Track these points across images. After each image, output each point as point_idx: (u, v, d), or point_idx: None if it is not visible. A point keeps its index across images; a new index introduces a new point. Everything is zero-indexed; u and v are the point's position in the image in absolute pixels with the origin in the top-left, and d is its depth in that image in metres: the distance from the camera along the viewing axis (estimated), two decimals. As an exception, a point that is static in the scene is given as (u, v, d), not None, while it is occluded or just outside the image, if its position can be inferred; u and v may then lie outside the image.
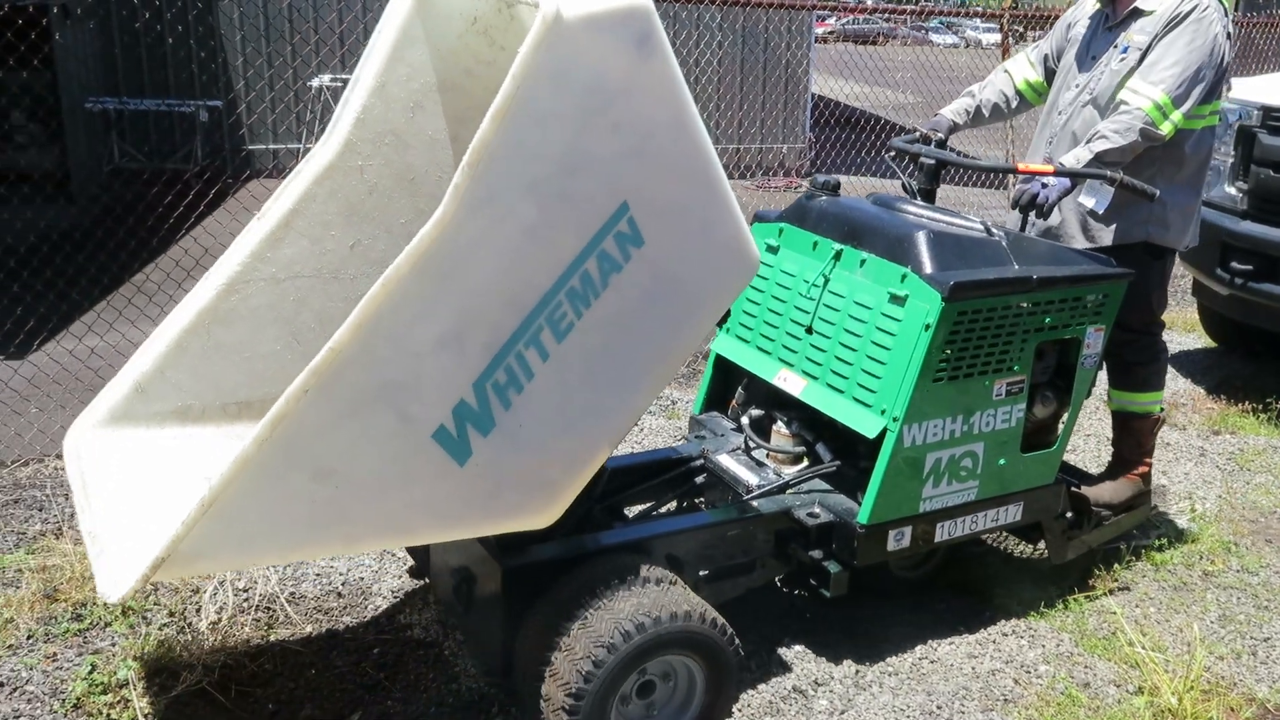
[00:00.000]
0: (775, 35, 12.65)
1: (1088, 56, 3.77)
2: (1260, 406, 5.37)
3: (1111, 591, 3.69)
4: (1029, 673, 3.24)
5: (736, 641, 2.77)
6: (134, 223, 6.44)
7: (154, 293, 5.81)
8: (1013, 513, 3.36)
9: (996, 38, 3.87)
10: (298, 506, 2.18)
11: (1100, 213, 3.63)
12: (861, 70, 9.74)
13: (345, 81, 10.34)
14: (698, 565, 3.04)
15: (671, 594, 2.68)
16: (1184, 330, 6.84)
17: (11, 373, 5.09)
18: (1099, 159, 3.45)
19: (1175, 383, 5.90)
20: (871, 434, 3.05)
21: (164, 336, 2.74)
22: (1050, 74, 3.98)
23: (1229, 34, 3.58)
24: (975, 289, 2.99)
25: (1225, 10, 3.57)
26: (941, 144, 3.78)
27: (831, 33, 34.64)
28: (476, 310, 2.28)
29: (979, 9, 10.48)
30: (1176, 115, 3.46)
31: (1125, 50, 3.61)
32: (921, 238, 3.04)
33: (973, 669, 3.24)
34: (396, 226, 2.95)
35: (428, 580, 3.42)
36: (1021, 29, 9.80)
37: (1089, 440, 5.00)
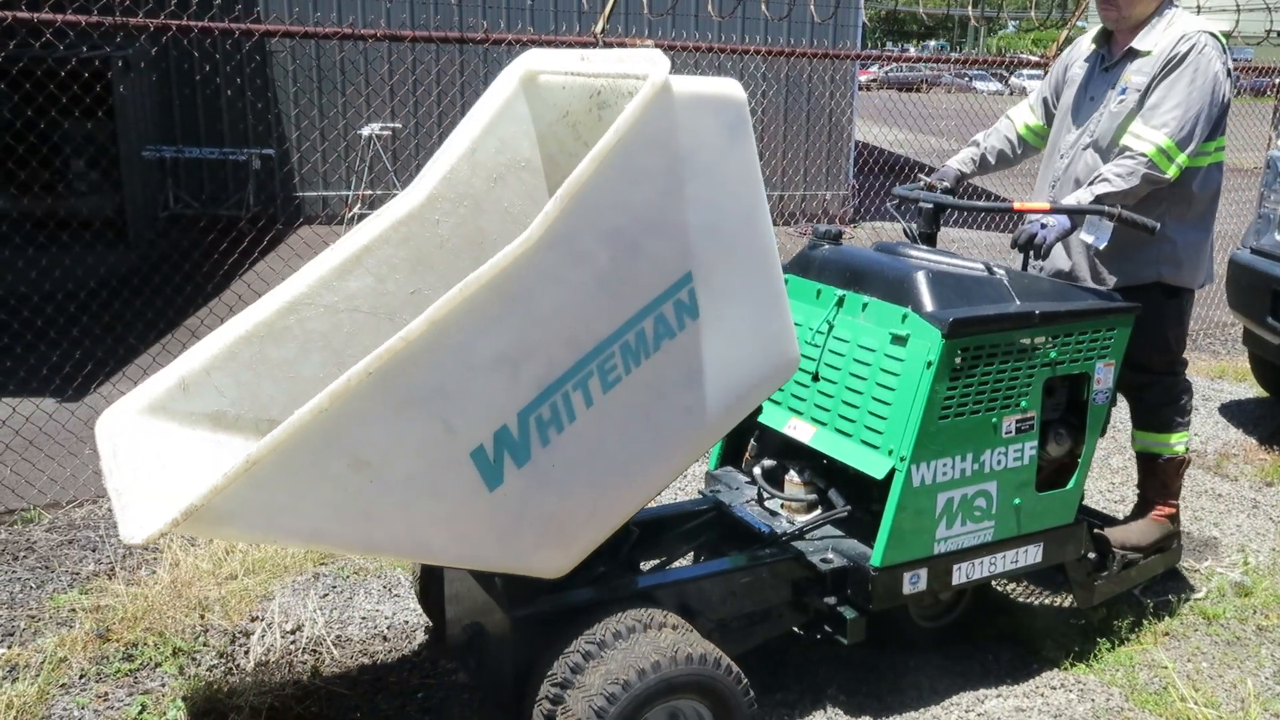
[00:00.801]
0: (819, 84, 12.74)
1: (1086, 98, 3.76)
2: (1313, 457, 5.28)
3: (1162, 645, 3.63)
4: (1078, 727, 3.19)
5: (752, 694, 2.73)
6: (189, 268, 6.59)
7: (187, 339, 5.92)
8: (1033, 554, 3.32)
9: (1039, 84, 3.88)
10: (329, 491, 2.20)
11: (1100, 248, 3.61)
12: (904, 117, 9.78)
13: (394, 130, 10.51)
14: (711, 614, 3.01)
15: (681, 638, 2.66)
16: (1235, 380, 6.75)
17: (69, 415, 5.20)
18: (1099, 202, 3.43)
19: (1226, 433, 5.82)
20: (880, 475, 3.04)
21: (218, 340, 2.80)
22: (1051, 116, 3.97)
23: (1229, 70, 3.56)
24: (976, 325, 3.00)
25: (1223, 47, 3.56)
26: (948, 192, 3.80)
27: (874, 80, 34.83)
28: (536, 340, 2.35)
29: (1020, 56, 10.47)
30: (1181, 158, 3.45)
31: (1124, 91, 3.60)
32: (921, 278, 3.06)
33: (1020, 722, 3.20)
34: (457, 282, 3.03)
35: (442, 636, 3.43)
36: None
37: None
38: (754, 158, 2.59)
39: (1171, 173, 3.46)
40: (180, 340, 6.17)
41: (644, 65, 2.49)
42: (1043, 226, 3.42)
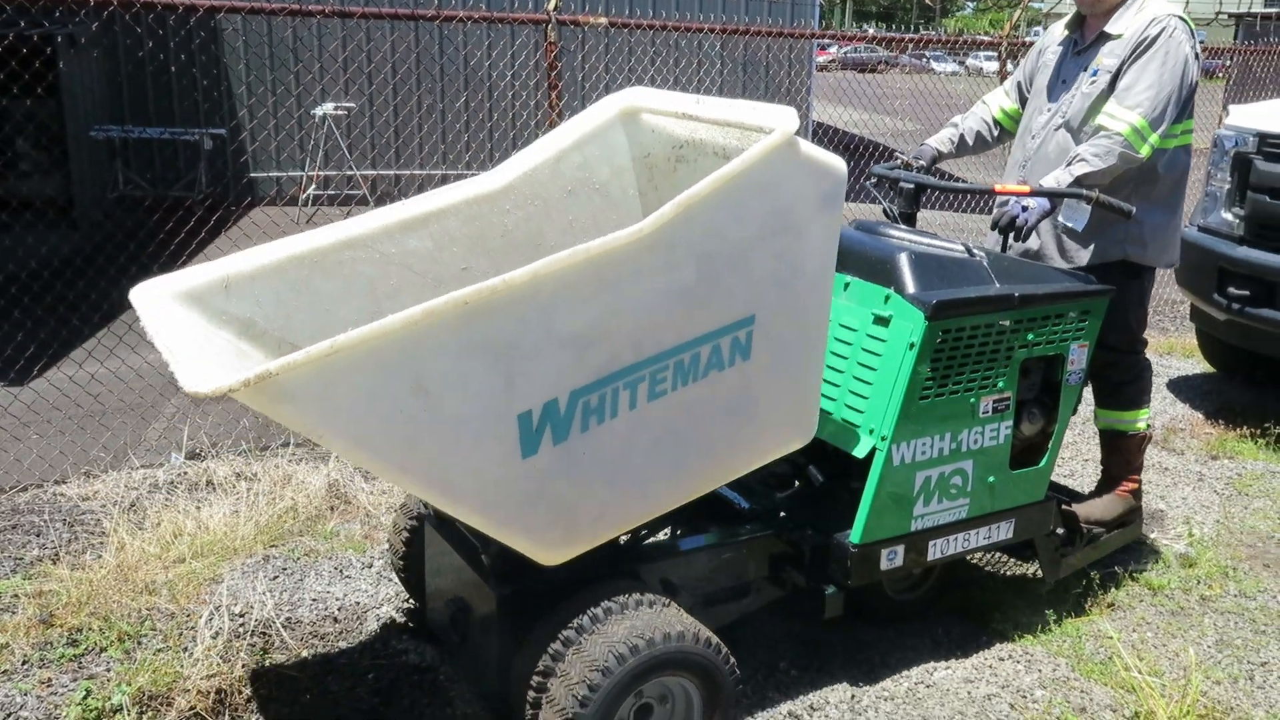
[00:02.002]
0: (776, 64, 12.73)
1: (1058, 81, 3.82)
2: (1258, 431, 5.37)
3: (1108, 616, 3.68)
4: (1025, 697, 3.23)
5: (733, 663, 2.77)
6: (135, 249, 6.48)
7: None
8: (1004, 530, 3.38)
9: (1014, 70, 3.89)
10: (386, 406, 2.23)
11: (1079, 231, 3.66)
12: (862, 98, 9.81)
13: (348, 110, 10.37)
14: (693, 589, 3.04)
15: (666, 615, 2.68)
16: (1183, 356, 6.85)
17: (12, 399, 5.11)
18: (1078, 182, 3.50)
19: (1174, 408, 5.91)
20: (861, 454, 3.08)
21: (270, 253, 2.81)
22: (1025, 101, 4.03)
23: (1197, 53, 3.63)
24: (958, 307, 3.04)
25: (1191, 30, 3.63)
26: (924, 171, 3.83)
27: (833, 61, 34.88)
28: (609, 329, 2.44)
29: (977, 36, 10.51)
30: (1154, 137, 3.51)
31: (1095, 74, 3.66)
32: (904, 259, 3.07)
33: (969, 694, 3.24)
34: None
35: (422, 611, 3.43)
36: (1020, 57, 9.84)
37: (1087, 465, 5.00)
38: (837, 232, 2.73)
39: (1145, 152, 3.52)
40: (126, 322, 6.07)
41: (774, 118, 2.59)
42: (1024, 209, 3.46)
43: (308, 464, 4.59)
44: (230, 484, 4.39)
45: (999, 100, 4.11)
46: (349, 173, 10.87)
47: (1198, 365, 6.62)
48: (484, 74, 11.24)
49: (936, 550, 3.24)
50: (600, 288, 2.38)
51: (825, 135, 13.33)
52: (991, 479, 3.29)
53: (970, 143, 4.07)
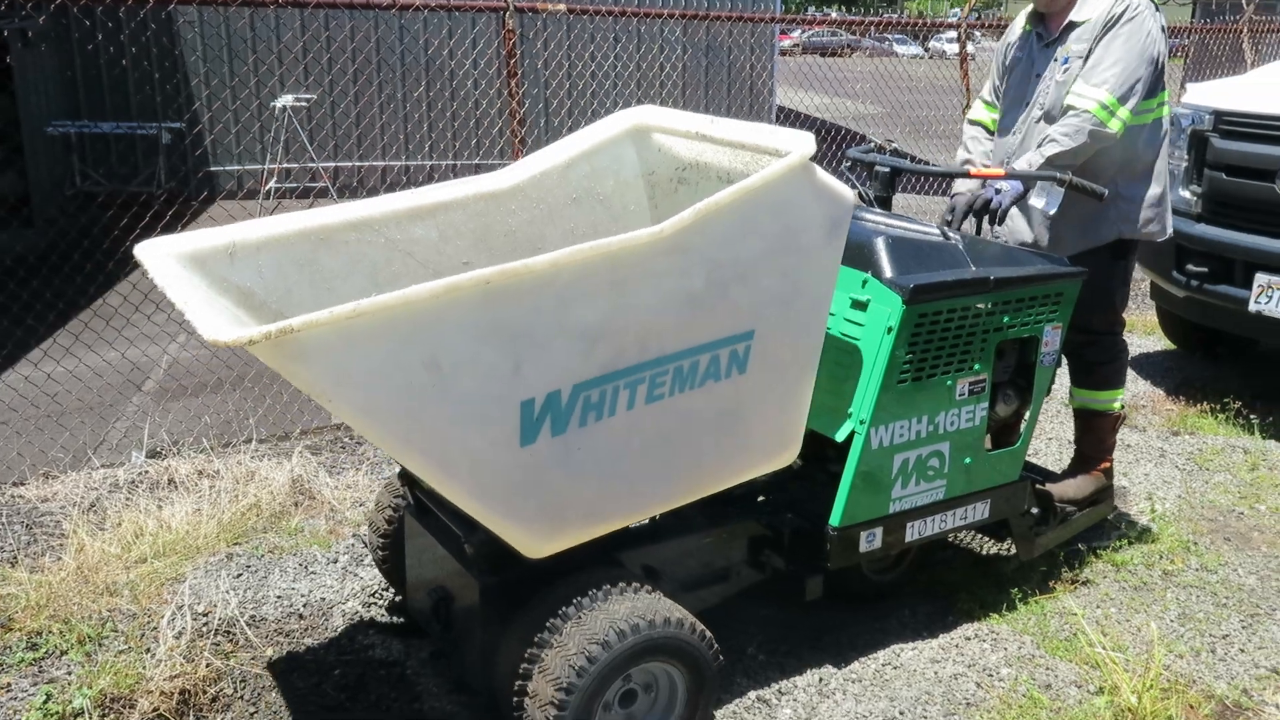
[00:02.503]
0: (739, 49, 12.72)
1: (1032, 75, 3.85)
2: (1218, 407, 5.43)
3: (1073, 592, 3.71)
4: (991, 676, 3.25)
5: (717, 650, 2.78)
6: (89, 246, 6.39)
7: (111, 316, 5.76)
8: (980, 510, 3.41)
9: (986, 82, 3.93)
10: (398, 377, 2.25)
11: (1050, 214, 3.68)
12: (825, 82, 9.81)
13: (308, 102, 10.24)
14: (673, 575, 3.05)
15: (655, 602, 2.70)
16: (1144, 333, 6.91)
17: (-32, 400, 5.03)
18: (1050, 163, 3.52)
19: (1135, 385, 5.96)
20: (840, 437, 3.10)
21: (279, 225, 2.81)
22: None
23: (1163, 28, 3.67)
24: (935, 291, 3.05)
25: (1156, 7, 3.66)
26: (897, 153, 3.84)
27: (796, 45, 34.91)
28: (618, 327, 2.48)
29: (939, 19, 10.58)
30: (1123, 112, 3.53)
31: (1066, 61, 3.69)
32: (881, 243, 3.08)
33: (935, 674, 3.25)
34: None
35: (403, 599, 3.42)
36: (980, 36, 9.89)
37: (1050, 443, 5.04)
38: (839, 259, 2.79)
39: (1116, 128, 3.54)
40: (83, 320, 6.00)
41: (790, 142, 2.66)
42: (997, 191, 3.48)
43: (271, 460, 4.55)
44: (192, 482, 4.35)
45: (982, 114, 4.13)
46: (310, 165, 10.77)
47: (1158, 342, 6.68)
48: (443, 62, 11.15)
49: (914, 531, 3.27)
50: (614, 284, 2.43)
51: (789, 120, 13.33)
52: (968, 460, 3.31)
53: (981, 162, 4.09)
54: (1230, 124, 5.28)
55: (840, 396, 3.08)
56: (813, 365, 2.87)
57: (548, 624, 2.61)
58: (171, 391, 5.57)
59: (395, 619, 3.47)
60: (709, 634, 2.75)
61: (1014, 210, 3.81)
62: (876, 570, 3.64)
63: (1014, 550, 3.78)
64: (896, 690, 3.16)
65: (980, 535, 3.96)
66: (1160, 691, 3.11)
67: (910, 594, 3.68)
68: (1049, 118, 3.73)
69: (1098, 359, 3.92)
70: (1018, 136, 3.85)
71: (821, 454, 3.23)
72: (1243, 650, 3.42)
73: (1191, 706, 3.10)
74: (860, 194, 3.68)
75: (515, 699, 2.61)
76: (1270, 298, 4.98)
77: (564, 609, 2.63)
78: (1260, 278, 5.02)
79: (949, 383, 3.20)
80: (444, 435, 2.36)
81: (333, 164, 11.21)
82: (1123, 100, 3.52)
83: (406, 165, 11.33)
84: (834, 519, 3.09)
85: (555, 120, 11.50)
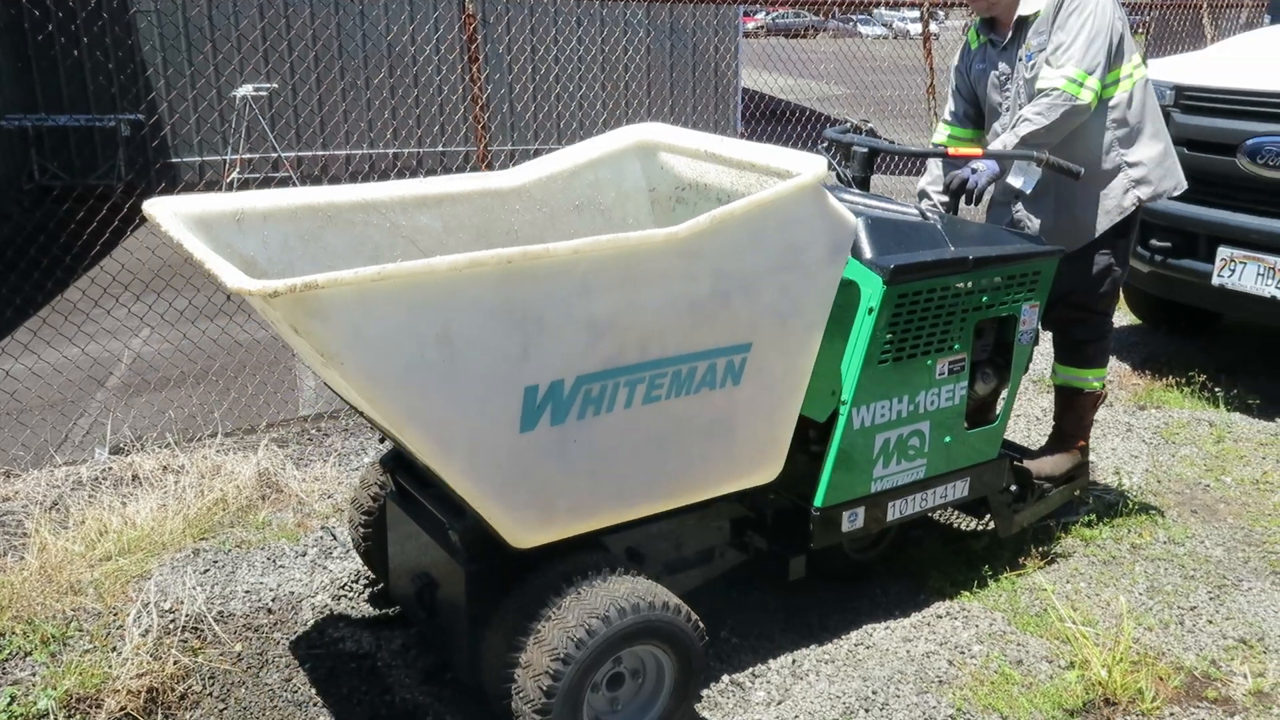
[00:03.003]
0: (703, 31, 12.67)
1: (998, 80, 3.87)
2: (1184, 380, 5.47)
3: (1043, 568, 3.73)
4: (963, 653, 3.26)
5: (704, 633, 2.79)
6: (45, 240, 6.30)
7: (70, 311, 5.68)
8: (960, 489, 3.44)
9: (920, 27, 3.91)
10: (410, 348, 2.26)
11: (1027, 193, 3.69)
12: (790, 63, 9.79)
13: (269, 91, 10.09)
14: (657, 557, 3.06)
15: (643, 585, 2.71)
16: (1110, 308, 6.94)
17: (-75, 399, 4.95)
18: (1024, 142, 3.55)
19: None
20: (822, 418, 3.12)
21: (288, 198, 2.83)
22: (968, 115, 4.08)
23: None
24: (915, 271, 3.07)
25: None
26: (872, 133, 3.87)
27: (761, 27, 34.87)
28: (623, 324, 2.51)
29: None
30: (1092, 82, 3.56)
31: (1030, 57, 3.73)
32: (860, 224, 3.07)
33: (908, 652, 3.26)
34: None
35: (384, 585, 3.41)
36: (944, 15, 9.89)
37: (1018, 420, 5.06)
38: (837, 283, 2.84)
39: (1088, 99, 3.56)
40: (42, 318, 5.92)
41: (801, 163, 2.74)
42: (973, 171, 3.50)
43: (237, 454, 4.49)
44: (157, 477, 4.29)
45: (943, 134, 4.14)
46: (273, 155, 10.65)
47: (1124, 317, 6.72)
48: (403, 48, 11.05)
49: (896, 510, 3.29)
50: (627, 280, 2.46)
51: (754, 102, 13.33)
52: (948, 439, 3.33)
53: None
54: (1191, 99, 5.31)
55: (821, 377, 3.07)
56: (802, 385, 2.91)
57: (545, 599, 2.62)
58: (135, 387, 5.50)
59: (370, 610, 3.45)
60: (695, 616, 2.76)
61: (1029, 218, 3.87)
62: (857, 549, 3.65)
63: (984, 528, 3.80)
64: (869, 670, 3.17)
65: (952, 513, 3.97)
66: (1130, 664, 3.13)
67: (882, 573, 3.69)
68: None
69: (1086, 337, 3.95)
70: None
71: (803, 435, 3.22)
72: (1210, 622, 3.45)
73: (1161, 678, 3.12)
74: (838, 175, 3.68)
75: (506, 674, 2.61)
76: (1233, 271, 5.02)
77: (562, 585, 2.64)
78: (1223, 251, 5.06)
79: (929, 362, 3.21)
80: (447, 412, 2.37)
81: (295, 154, 11.09)
82: (1089, 71, 3.55)
83: (369, 154, 11.23)
84: (817, 499, 3.10)
85: (519, 106, 11.43)
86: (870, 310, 3.03)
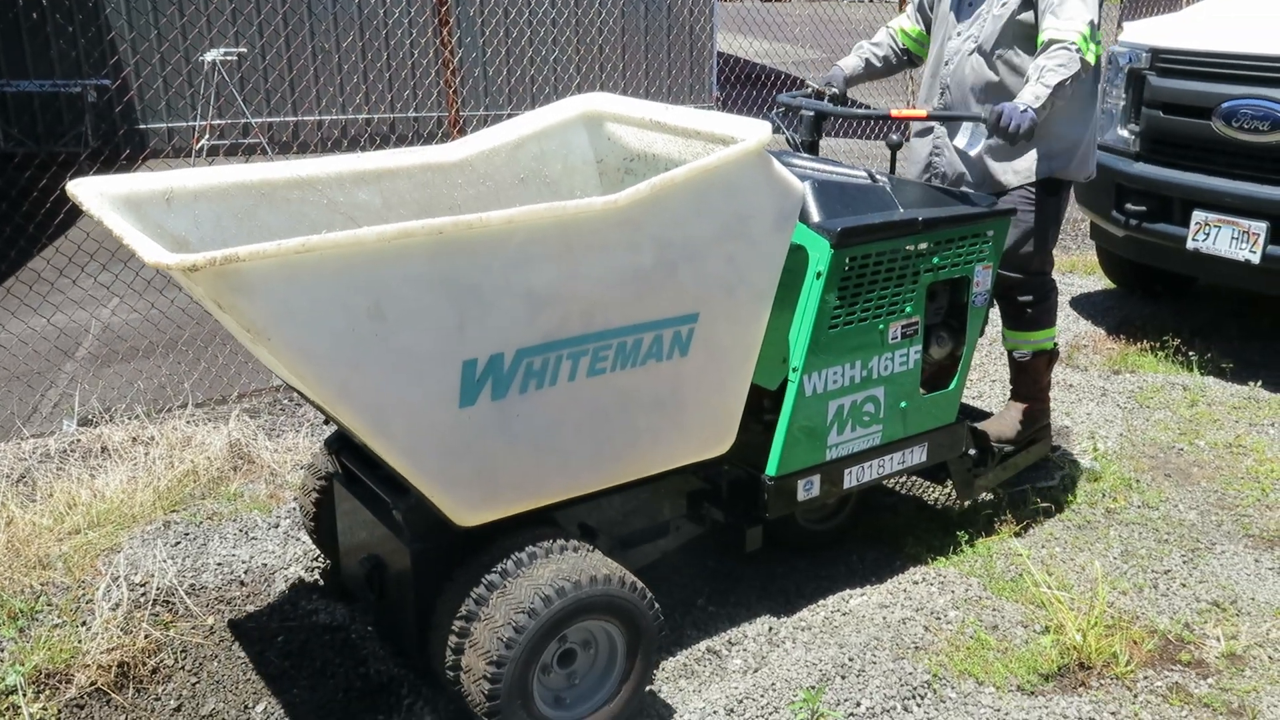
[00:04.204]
0: (677, -5, 12.53)
1: (965, 4, 3.80)
2: (1158, 345, 5.49)
3: (1018, 533, 3.74)
4: (939, 619, 3.27)
5: (656, 607, 2.75)
6: (7, 208, 6.18)
7: (34, 281, 5.58)
8: (918, 454, 3.41)
9: None
10: (341, 322, 2.22)
11: (971, 154, 3.63)
12: (764, 27, 9.71)
13: (239, 55, 9.91)
14: (611, 531, 3.02)
15: (589, 560, 2.66)
16: (1084, 273, 6.96)
17: (-112, 372, 4.86)
18: (1056, 92, 3.44)
19: (1077, 325, 6.01)
20: (773, 386, 3.08)
21: (219, 176, 2.76)
22: (929, 23, 4.02)
23: None
24: (863, 234, 3.02)
25: None
26: (836, 97, 3.82)
27: (736, -10, 34.59)
28: (564, 295, 2.46)
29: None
30: (1094, 45, 3.53)
31: None
32: (808, 188, 3.03)
33: (884, 619, 3.26)
34: None
35: (336, 570, 3.37)
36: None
37: (994, 385, 5.06)
38: (785, 250, 2.81)
39: (1091, 59, 3.52)
40: (6, 288, 5.82)
41: (745, 129, 2.70)
42: (1021, 112, 3.34)
43: (208, 424, 4.44)
44: (126, 449, 4.23)
45: (901, 23, 4.12)
46: (244, 121, 10.49)
47: (1099, 282, 6.74)
48: (372, 11, 10.88)
49: (852, 478, 3.25)
50: (565, 250, 2.41)
51: (729, 66, 13.23)
52: (903, 404, 3.30)
53: (878, 66, 4.08)
54: (1167, 62, 5.29)
55: (771, 344, 3.03)
56: (753, 355, 2.87)
57: (474, 594, 2.56)
58: (103, 357, 5.42)
59: (330, 586, 3.42)
60: (642, 586, 2.72)
61: (949, 148, 3.81)
62: (815, 520, 3.64)
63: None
64: (845, 636, 3.17)
65: (926, 480, 3.97)
66: (1104, 628, 3.15)
67: (857, 541, 3.69)
68: (981, 52, 3.70)
69: (1029, 299, 3.91)
70: (950, 67, 3.80)
71: (756, 404, 3.19)
72: (1184, 585, 3.47)
73: (1135, 642, 3.14)
74: (788, 139, 3.64)
75: (450, 674, 2.58)
76: (1208, 235, 5.03)
77: (489, 577, 2.58)
78: (1198, 215, 5.06)
79: (881, 327, 3.17)
80: (382, 388, 2.31)
81: (267, 119, 10.94)
82: (1093, 33, 3.51)
83: (340, 119, 11.09)
84: (769, 468, 3.06)
85: (490, 70, 11.30)
86: (819, 275, 2.99)
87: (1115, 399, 4.94)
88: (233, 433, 4.29)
